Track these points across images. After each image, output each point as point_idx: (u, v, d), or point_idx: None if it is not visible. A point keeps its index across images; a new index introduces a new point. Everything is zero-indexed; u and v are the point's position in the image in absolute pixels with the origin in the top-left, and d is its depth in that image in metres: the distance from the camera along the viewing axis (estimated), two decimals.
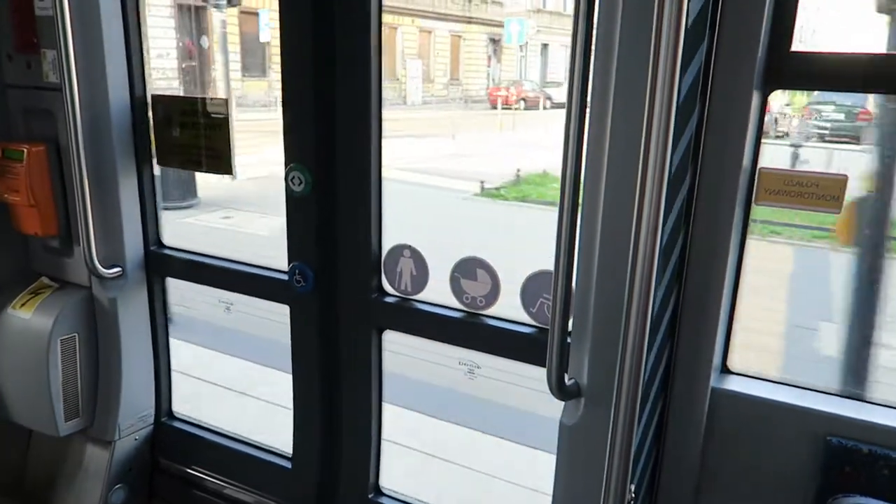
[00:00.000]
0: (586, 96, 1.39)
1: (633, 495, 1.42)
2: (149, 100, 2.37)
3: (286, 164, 2.09)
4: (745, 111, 1.45)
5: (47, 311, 2.41)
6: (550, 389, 1.56)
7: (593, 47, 1.37)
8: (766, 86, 1.48)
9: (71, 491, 2.59)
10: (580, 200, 1.45)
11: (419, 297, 2.12)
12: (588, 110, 1.40)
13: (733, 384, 1.65)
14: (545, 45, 21.96)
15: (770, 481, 1.61)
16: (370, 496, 2.32)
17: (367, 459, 2.30)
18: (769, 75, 1.47)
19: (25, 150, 2.33)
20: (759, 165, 1.52)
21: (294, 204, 2.12)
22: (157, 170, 2.47)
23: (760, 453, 1.61)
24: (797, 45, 1.46)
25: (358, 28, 1.95)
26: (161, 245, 2.54)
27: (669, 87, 1.16)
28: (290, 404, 2.34)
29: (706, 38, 1.41)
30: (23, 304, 2.45)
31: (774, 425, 1.58)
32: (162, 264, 2.52)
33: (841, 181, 1.45)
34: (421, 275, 2.10)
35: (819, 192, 1.46)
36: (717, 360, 1.63)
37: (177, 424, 2.68)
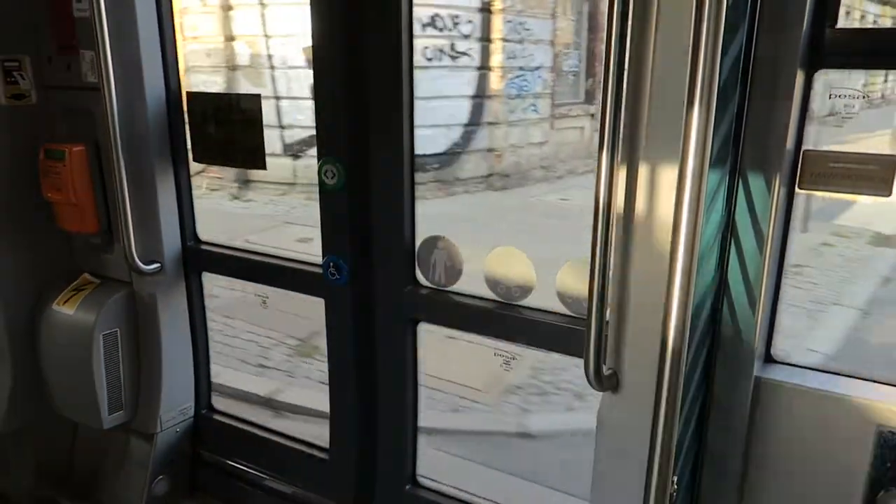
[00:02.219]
0: (623, 77, 1.35)
1: (676, 487, 1.39)
2: (184, 97, 2.41)
3: (319, 158, 2.09)
4: (789, 91, 1.40)
5: (90, 306, 2.46)
6: (588, 380, 1.54)
7: (630, 25, 1.33)
8: (811, 64, 1.43)
9: (115, 482, 2.65)
10: (617, 183, 1.42)
11: (453, 288, 2.11)
12: (625, 91, 1.37)
13: (778, 373, 1.60)
14: None
15: (818, 474, 1.56)
16: (407, 487, 2.32)
17: (404, 451, 2.30)
18: (814, 53, 1.42)
19: (67, 150, 2.38)
20: (803, 147, 1.47)
21: (327, 197, 2.13)
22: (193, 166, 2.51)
23: (807, 445, 1.56)
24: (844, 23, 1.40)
25: (389, 18, 1.94)
26: (198, 240, 2.57)
27: (710, 66, 1.13)
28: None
29: (748, 15, 1.37)
30: (66, 301, 2.51)
31: (822, 416, 1.53)
32: (199, 259, 2.55)
33: (892, 161, 1.39)
34: (455, 266, 2.09)
35: (868, 173, 1.41)
36: (760, 348, 1.59)
37: (216, 417, 2.72)
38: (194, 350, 2.66)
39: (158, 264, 2.46)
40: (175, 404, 2.63)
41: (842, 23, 1.40)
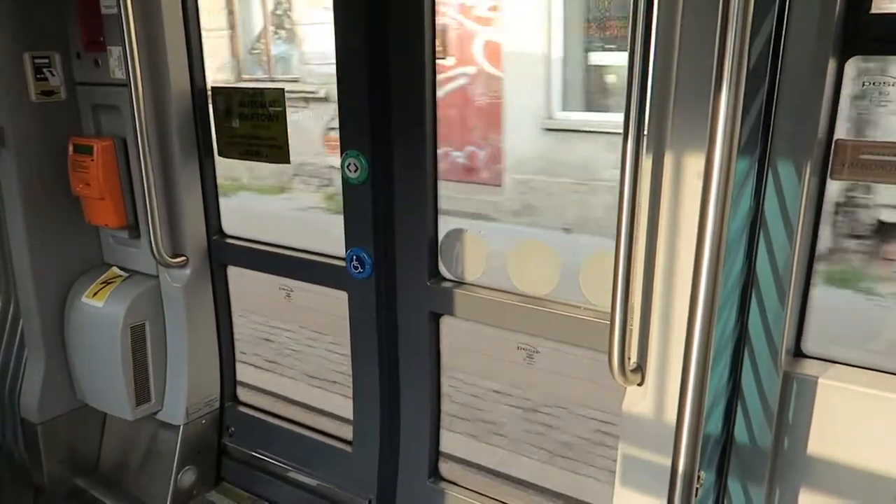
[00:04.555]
0: (648, 65, 1.33)
1: (702, 482, 1.37)
2: (209, 92, 2.43)
3: (342, 151, 2.10)
4: (821, 79, 1.36)
5: (118, 299, 2.50)
6: (613, 374, 1.52)
7: (655, 11, 1.31)
8: (844, 51, 1.39)
9: (143, 472, 2.69)
10: (642, 172, 1.40)
11: (476, 281, 2.10)
12: (650, 79, 1.34)
13: (807, 368, 1.56)
14: None
15: (848, 472, 1.52)
16: (429, 481, 2.32)
17: (426, 445, 2.30)
18: (847, 40, 1.37)
19: (95, 145, 2.42)
20: (835, 136, 1.43)
21: (351, 191, 2.13)
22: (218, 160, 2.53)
23: (838, 443, 1.52)
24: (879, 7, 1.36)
25: (412, 11, 1.93)
26: (223, 234, 2.60)
27: (739, 53, 1.10)
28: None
29: None
30: (95, 294, 2.56)
31: (854, 414, 1.49)
32: (224, 253, 2.58)
33: None
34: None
35: None
36: (789, 342, 1.55)
37: (241, 409, 2.75)
38: (220, 342, 2.69)
39: (184, 258, 2.49)
40: (201, 396, 2.66)
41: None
